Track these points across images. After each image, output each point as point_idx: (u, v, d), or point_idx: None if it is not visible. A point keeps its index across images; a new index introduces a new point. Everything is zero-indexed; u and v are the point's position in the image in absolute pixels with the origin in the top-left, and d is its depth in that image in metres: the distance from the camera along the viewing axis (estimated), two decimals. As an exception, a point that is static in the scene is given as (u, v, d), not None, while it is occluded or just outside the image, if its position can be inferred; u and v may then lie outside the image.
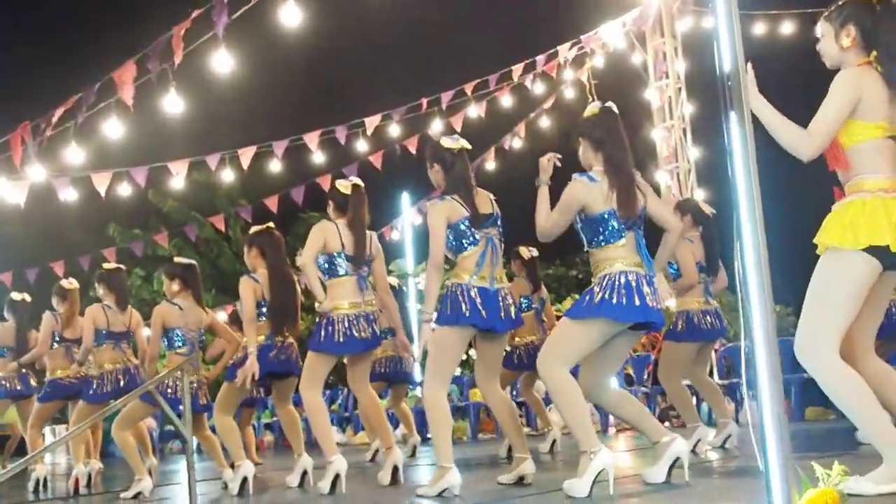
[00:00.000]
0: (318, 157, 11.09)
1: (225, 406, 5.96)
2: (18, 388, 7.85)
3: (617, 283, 4.11)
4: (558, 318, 6.23)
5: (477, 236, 4.62)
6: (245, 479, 5.69)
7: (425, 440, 9.21)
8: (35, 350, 7.50)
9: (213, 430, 6.53)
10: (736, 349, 10.42)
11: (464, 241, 4.61)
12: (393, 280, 7.57)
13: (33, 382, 8.03)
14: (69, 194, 8.85)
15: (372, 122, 10.92)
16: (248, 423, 9.66)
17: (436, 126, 11.26)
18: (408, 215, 14.46)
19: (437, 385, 4.58)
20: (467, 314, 4.48)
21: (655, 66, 12.23)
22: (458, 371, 16.20)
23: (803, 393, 9.48)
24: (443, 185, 4.74)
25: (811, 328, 3.29)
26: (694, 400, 6.95)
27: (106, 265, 7.30)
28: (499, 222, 4.80)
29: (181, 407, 5.16)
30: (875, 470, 3.19)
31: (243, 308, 5.81)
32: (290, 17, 7.14)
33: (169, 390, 6.15)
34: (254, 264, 6.03)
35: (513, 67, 11.48)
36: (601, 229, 4.21)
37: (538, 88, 11.89)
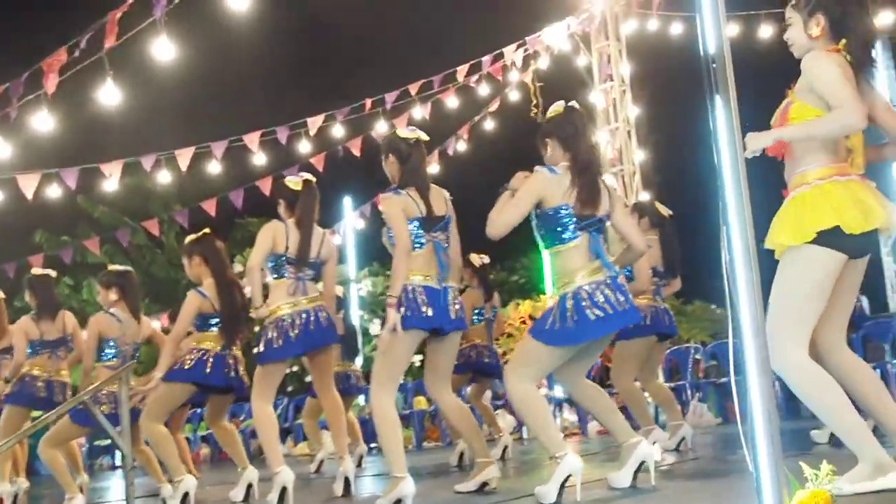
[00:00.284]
0: (259, 159, 10.78)
1: (156, 414, 5.58)
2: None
3: (577, 302, 3.98)
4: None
5: (423, 240, 4.46)
6: (186, 495, 5.43)
7: (371, 450, 9.03)
8: None
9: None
10: (681, 352, 10.47)
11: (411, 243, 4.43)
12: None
13: None
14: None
15: (315, 122, 10.66)
16: (179, 428, 9.22)
17: (380, 127, 11.04)
18: (350, 219, 14.21)
19: (385, 392, 4.38)
20: (414, 317, 4.31)
21: (600, 69, 12.20)
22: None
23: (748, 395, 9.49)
24: (397, 178, 4.56)
25: (777, 328, 3.20)
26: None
27: (35, 270, 6.95)
28: (449, 226, 4.63)
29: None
30: (851, 470, 3.11)
31: (176, 324, 5.58)
32: (233, 10, 6.86)
33: (103, 407, 5.80)
34: (197, 274, 5.79)
35: (458, 68, 11.34)
36: (556, 227, 4.07)
37: (483, 90, 11.76)
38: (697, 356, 10.37)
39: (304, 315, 5.12)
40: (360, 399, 10.81)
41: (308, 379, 10.38)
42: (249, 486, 5.50)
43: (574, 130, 4.21)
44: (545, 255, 4.31)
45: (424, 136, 4.68)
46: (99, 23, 5.79)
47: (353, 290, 14.87)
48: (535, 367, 4.11)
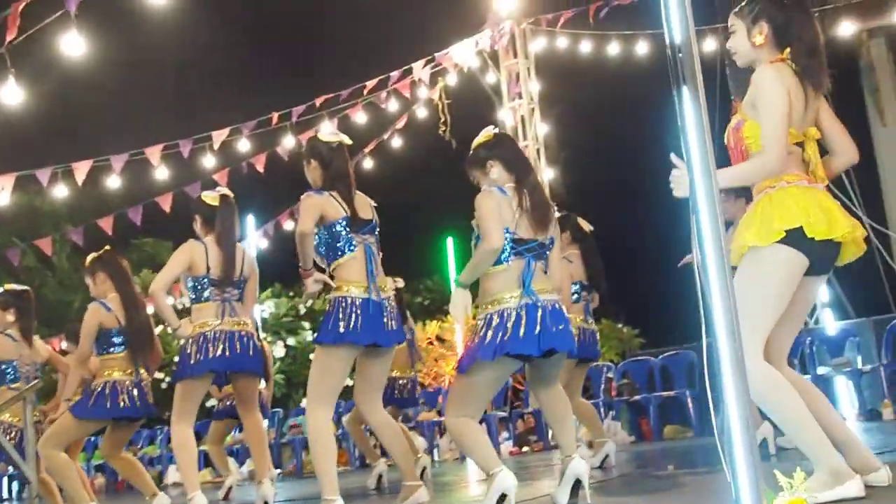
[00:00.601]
0: (161, 173, 10.34)
1: (56, 442, 5.25)
2: None
3: (498, 320, 3.80)
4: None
5: (354, 242, 4.27)
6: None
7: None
8: None
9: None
10: (593, 371, 10.44)
11: (339, 245, 4.25)
12: None
13: None
14: None
15: (219, 136, 10.30)
16: (76, 457, 8.67)
17: (287, 142, 10.74)
18: (253, 238, 13.81)
19: (321, 410, 4.17)
20: (349, 332, 4.12)
21: (509, 87, 12.20)
22: (305, 401, 15.65)
23: (661, 412, 9.57)
24: (320, 184, 4.36)
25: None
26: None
27: None
28: (377, 231, 4.45)
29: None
30: (808, 479, 3.03)
31: (81, 341, 5.29)
32: (140, 15, 6.52)
33: (8, 436, 5.42)
34: (103, 291, 5.50)
35: (366, 83, 11.15)
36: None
37: (392, 106, 11.59)
38: (610, 375, 10.38)
39: (227, 334, 4.92)
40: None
41: (210, 403, 9.96)
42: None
43: (514, 153, 4.12)
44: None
45: (347, 140, 4.51)
46: (1, 15, 5.34)
47: (257, 311, 14.45)
48: (469, 400, 3.89)
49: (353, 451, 10.80)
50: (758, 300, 3.13)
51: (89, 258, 5.67)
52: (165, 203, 10.51)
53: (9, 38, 5.47)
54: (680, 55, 2.48)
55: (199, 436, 8.01)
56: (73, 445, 7.30)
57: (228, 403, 7.34)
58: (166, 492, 6.15)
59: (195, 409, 5.04)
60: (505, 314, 3.82)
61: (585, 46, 10.90)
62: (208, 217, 5.04)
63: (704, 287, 2.36)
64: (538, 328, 3.82)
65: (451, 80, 11.81)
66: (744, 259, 3.21)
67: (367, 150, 12.37)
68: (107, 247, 5.73)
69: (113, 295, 5.43)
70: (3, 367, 5.74)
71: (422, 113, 12.23)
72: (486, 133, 4.27)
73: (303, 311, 16.74)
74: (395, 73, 11.44)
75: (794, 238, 3.08)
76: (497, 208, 3.85)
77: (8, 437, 5.51)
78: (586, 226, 6.31)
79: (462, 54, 11.76)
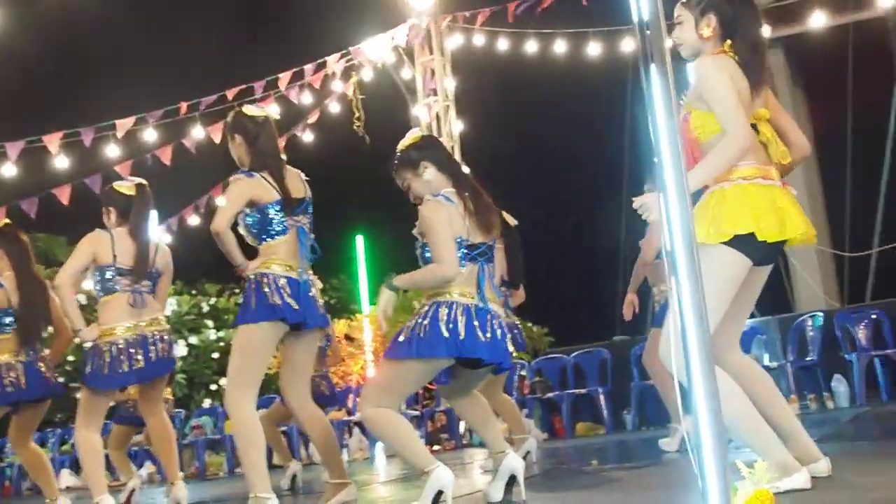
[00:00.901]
0: (60, 163, 9.85)
1: None
2: None
3: (445, 315, 3.67)
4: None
5: (286, 224, 4.08)
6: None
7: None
8: None
9: None
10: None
11: (270, 228, 4.06)
12: None
13: None
14: None
15: (124, 124, 9.88)
16: None
17: (196, 133, 10.38)
18: (156, 234, 13.36)
19: (247, 397, 3.94)
20: (276, 308, 3.93)
21: (424, 83, 12.09)
22: (208, 402, 15.24)
23: (573, 409, 9.61)
24: (246, 162, 4.15)
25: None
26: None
27: None
28: (310, 209, 4.26)
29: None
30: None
31: None
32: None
33: None
34: None
35: (279, 76, 10.88)
36: None
37: (306, 99, 11.33)
38: (523, 372, 10.37)
39: (142, 340, 4.69)
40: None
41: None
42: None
43: (445, 154, 3.99)
44: None
45: (274, 115, 4.33)
46: None
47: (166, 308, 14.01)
48: (389, 392, 3.73)
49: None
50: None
51: None
52: (63, 195, 10.03)
53: None
54: (648, 32, 2.40)
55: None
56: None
57: (131, 409, 7.03)
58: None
59: (102, 415, 4.81)
60: (455, 308, 3.70)
61: (502, 44, 10.90)
62: (123, 208, 4.81)
63: (672, 275, 2.29)
64: (489, 335, 3.73)
65: (366, 75, 11.63)
66: None
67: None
68: (6, 220, 5.52)
69: (9, 273, 5.20)
70: None
71: (335, 108, 12.00)
72: (414, 134, 4.15)
73: (206, 309, 16.32)
74: (308, 67, 11.19)
75: (741, 242, 3.07)
76: (448, 222, 3.72)
77: None
78: (511, 220, 6.24)
79: (377, 49, 11.59)
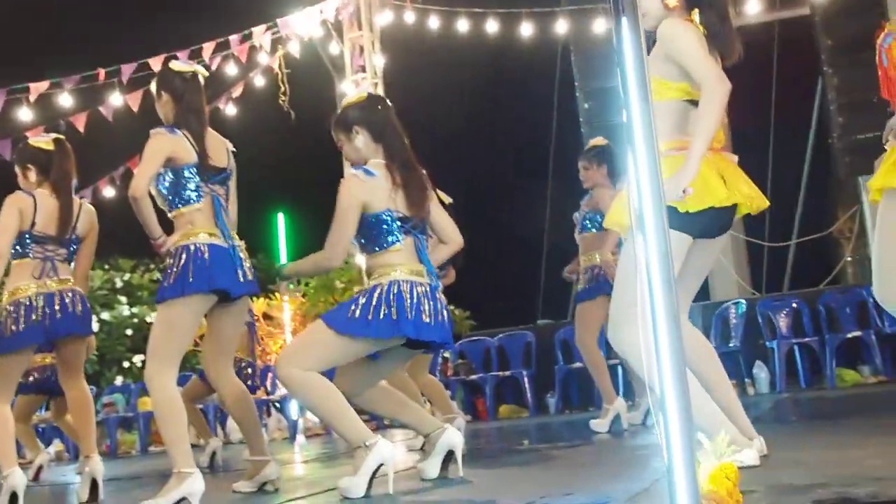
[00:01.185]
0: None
1: None
2: None
3: (390, 294, 3.58)
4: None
5: (202, 192, 3.86)
6: None
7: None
8: None
9: None
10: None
11: (183, 192, 3.84)
12: None
13: None
14: None
15: (38, 88, 9.42)
16: None
17: (114, 100, 9.96)
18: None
19: (169, 372, 3.74)
20: (200, 280, 3.73)
21: (352, 60, 11.84)
22: (120, 380, 14.77)
23: (496, 392, 9.58)
24: (171, 120, 3.93)
25: (622, 307, 3.07)
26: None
27: None
28: (229, 182, 4.05)
29: None
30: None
31: None
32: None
33: None
34: None
35: (203, 45, 10.51)
36: (378, 233, 3.69)
37: (230, 71, 10.99)
38: (446, 354, 10.29)
39: (50, 298, 4.41)
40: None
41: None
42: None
43: (384, 120, 3.84)
44: (363, 260, 3.91)
45: (203, 71, 4.10)
46: None
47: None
48: (315, 357, 3.60)
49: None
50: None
51: None
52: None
53: None
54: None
55: None
56: None
57: (39, 377, 6.71)
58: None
59: (14, 385, 4.56)
60: (406, 287, 3.59)
61: (434, 22, 10.74)
62: (44, 165, 4.53)
63: (640, 244, 2.19)
64: (440, 317, 3.63)
65: (294, 48, 11.33)
66: (629, 234, 3.11)
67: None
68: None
69: None
70: None
71: (259, 82, 11.67)
72: (359, 94, 4.03)
73: (119, 284, 15.80)
74: (234, 37, 10.84)
75: (671, 217, 3.00)
76: (355, 207, 3.63)
77: None
78: (445, 198, 6.12)
79: (305, 23, 11.30)
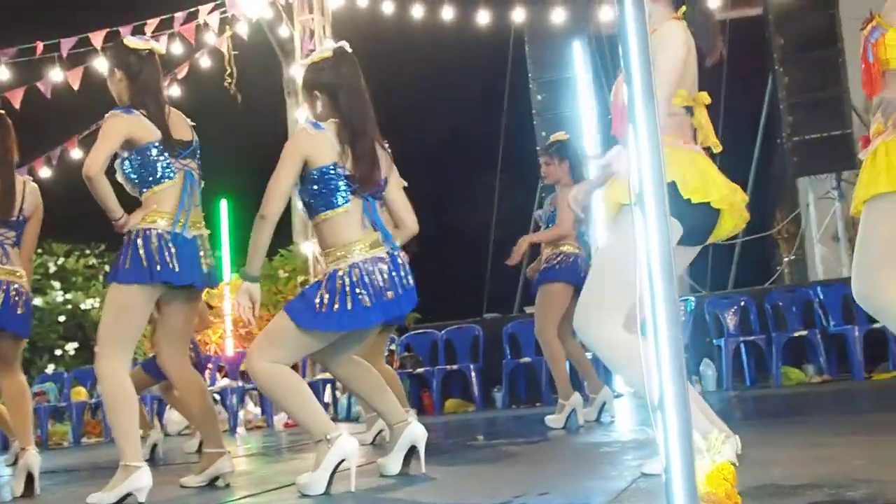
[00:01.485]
0: None
1: None
2: None
3: (352, 282, 3.40)
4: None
5: (173, 168, 3.69)
6: None
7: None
8: None
9: None
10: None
11: (154, 172, 3.66)
12: None
13: None
14: None
15: (-29, 61, 9.03)
16: None
17: (54, 76, 9.59)
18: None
19: (120, 359, 3.56)
20: (158, 269, 3.55)
21: (302, 43, 11.58)
22: (52, 368, 14.33)
23: (443, 386, 9.44)
24: (126, 99, 3.74)
25: (596, 295, 2.99)
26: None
27: None
28: (199, 154, 3.88)
29: None
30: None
31: None
32: None
33: None
34: None
35: (147, 21, 10.18)
36: (323, 190, 3.47)
37: (175, 50, 10.65)
38: (392, 347, 10.13)
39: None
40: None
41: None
42: None
43: (340, 79, 3.58)
44: (313, 226, 3.69)
45: (160, 49, 3.91)
46: None
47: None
48: (285, 351, 3.46)
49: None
50: (627, 263, 2.93)
51: None
52: None
53: None
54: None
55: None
56: None
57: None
58: None
59: None
60: (364, 267, 3.43)
61: (387, 7, 10.54)
62: None
63: (637, 222, 2.07)
64: (405, 282, 3.48)
65: (241, 29, 11.04)
66: (619, 218, 3.00)
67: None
68: None
69: None
70: None
71: (205, 63, 11.36)
72: (325, 49, 3.79)
73: (52, 269, 15.33)
74: (179, 15, 10.53)
75: (676, 204, 2.90)
76: (298, 157, 3.43)
77: None
78: (401, 181, 5.97)
79: (254, 4, 11.03)
